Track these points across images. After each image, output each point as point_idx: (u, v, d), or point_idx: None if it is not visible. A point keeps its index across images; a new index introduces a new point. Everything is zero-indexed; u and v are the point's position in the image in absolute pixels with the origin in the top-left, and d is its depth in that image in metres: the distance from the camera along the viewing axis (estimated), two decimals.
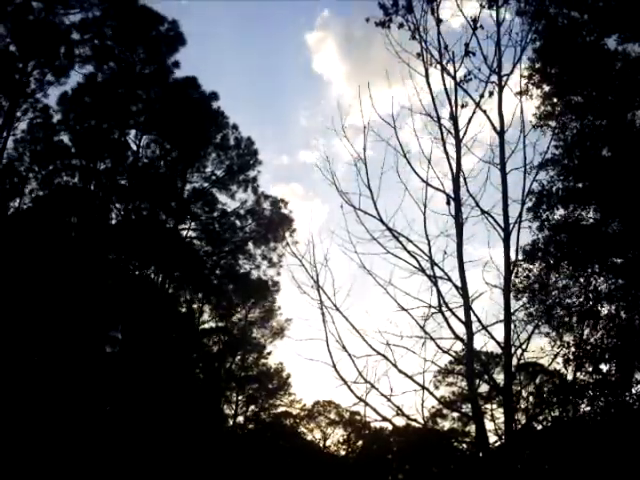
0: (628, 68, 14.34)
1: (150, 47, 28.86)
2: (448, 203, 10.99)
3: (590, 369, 13.78)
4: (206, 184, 31.42)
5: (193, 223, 31.77)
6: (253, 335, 36.81)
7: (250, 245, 33.39)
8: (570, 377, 14.50)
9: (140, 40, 28.63)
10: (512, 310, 10.81)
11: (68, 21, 26.77)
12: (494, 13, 11.56)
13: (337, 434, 50.47)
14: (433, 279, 10.72)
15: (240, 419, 38.47)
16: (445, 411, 38.82)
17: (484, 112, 11.33)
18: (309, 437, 49.26)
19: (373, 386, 10.31)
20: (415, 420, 10.69)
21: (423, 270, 10.78)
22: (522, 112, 11.44)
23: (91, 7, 26.97)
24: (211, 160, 31.40)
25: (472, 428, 37.28)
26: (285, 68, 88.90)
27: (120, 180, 29.28)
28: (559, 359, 13.66)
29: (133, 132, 29.89)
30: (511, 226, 10.94)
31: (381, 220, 10.90)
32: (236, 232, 32.82)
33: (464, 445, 35.08)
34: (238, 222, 32.83)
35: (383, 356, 10.40)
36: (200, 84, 30.31)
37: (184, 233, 31.58)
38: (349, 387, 10.36)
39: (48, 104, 27.67)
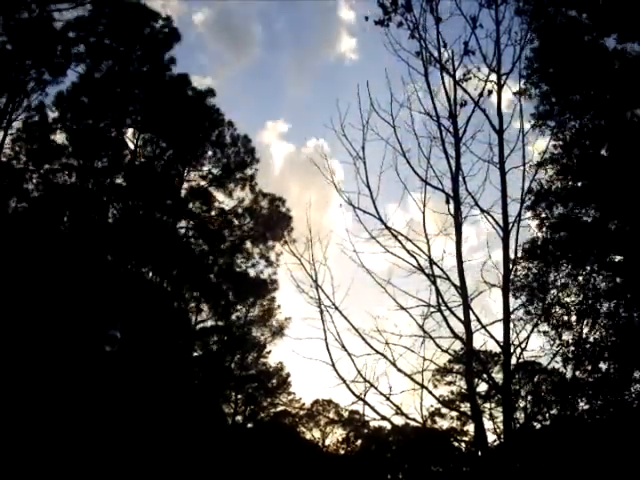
0: (627, 67, 14.34)
1: (145, 44, 28.81)
2: (447, 202, 10.92)
3: (589, 368, 13.82)
4: (203, 182, 31.40)
5: (191, 222, 31.75)
6: (253, 334, 36.82)
7: (248, 244, 33.42)
8: (569, 376, 14.53)
9: (135, 37, 28.57)
10: (511, 309, 10.79)
11: (62, 18, 26.68)
12: (493, 12, 11.51)
13: (336, 433, 50.69)
14: (432, 278, 10.67)
15: (239, 418, 38.47)
16: (444, 410, 38.87)
17: (483, 111, 11.26)
18: (308, 436, 49.41)
19: (372, 385, 10.28)
20: (414, 419, 10.67)
21: (422, 269, 10.73)
22: (521, 111, 11.39)
23: (84, 3, 26.87)
24: (208, 158, 31.46)
25: (471, 427, 37.43)
26: None
27: (117, 179, 29.27)
28: (558, 358, 13.70)
29: (130, 131, 29.95)
30: (510, 225, 10.90)
31: (380, 219, 10.84)
32: (234, 230, 32.80)
33: (463, 444, 35.10)
34: (236, 220, 32.85)
35: (382, 355, 10.36)
36: (190, 80, 30.31)
37: (182, 232, 31.59)
38: (348, 386, 10.32)
39: (45, 103, 27.70)
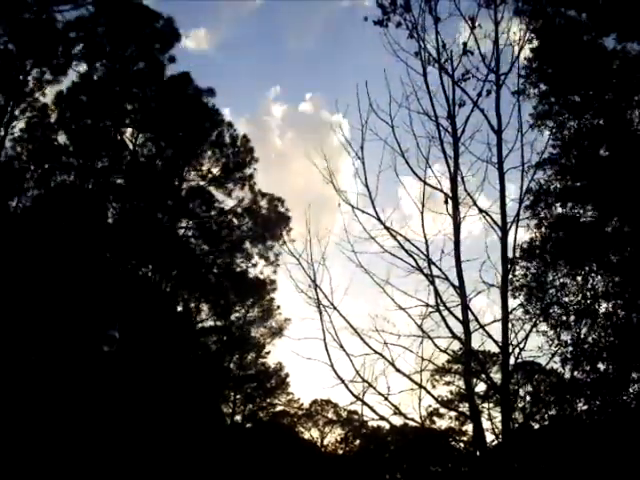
0: (626, 67, 14.35)
1: (145, 44, 28.79)
2: (446, 202, 10.95)
3: (588, 368, 13.81)
4: (203, 182, 31.44)
5: (190, 221, 31.78)
6: (252, 334, 36.85)
7: (247, 244, 33.46)
8: (567, 376, 14.53)
9: (135, 37, 28.56)
10: (509, 309, 10.79)
11: (62, 18, 26.69)
12: (492, 12, 11.51)
13: (335, 433, 50.69)
14: (430, 278, 10.69)
15: (238, 418, 38.50)
16: (442, 410, 38.85)
17: (482, 111, 11.27)
18: (307, 436, 49.42)
19: (370, 385, 10.29)
20: (412, 419, 10.69)
21: (421, 269, 10.74)
22: (520, 111, 11.40)
23: (84, 4, 26.87)
24: (207, 158, 31.46)
25: (469, 427, 37.40)
26: None
27: (117, 179, 29.25)
28: (557, 358, 13.69)
29: (129, 130, 29.93)
30: (508, 225, 10.93)
31: (379, 219, 10.87)
32: (233, 230, 32.84)
33: (461, 444, 35.15)
34: (235, 220, 32.91)
35: (380, 355, 10.37)
36: (193, 79, 30.27)
37: (181, 232, 31.61)
38: (346, 386, 10.34)
39: (46, 103, 27.70)
